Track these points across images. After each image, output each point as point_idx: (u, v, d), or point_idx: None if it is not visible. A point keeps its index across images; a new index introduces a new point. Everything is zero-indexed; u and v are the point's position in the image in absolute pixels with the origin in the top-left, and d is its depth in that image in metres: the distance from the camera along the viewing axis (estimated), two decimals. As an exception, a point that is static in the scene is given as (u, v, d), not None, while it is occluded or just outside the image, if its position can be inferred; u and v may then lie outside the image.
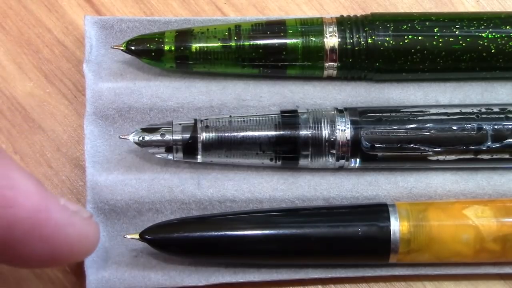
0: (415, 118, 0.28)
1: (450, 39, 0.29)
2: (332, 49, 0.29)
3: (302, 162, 0.28)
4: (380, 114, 0.29)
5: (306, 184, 0.29)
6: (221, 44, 0.29)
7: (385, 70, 0.30)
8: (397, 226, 0.27)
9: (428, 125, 0.28)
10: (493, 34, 0.29)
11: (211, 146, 0.28)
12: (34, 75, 0.32)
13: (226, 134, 0.28)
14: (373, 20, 0.30)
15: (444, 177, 0.29)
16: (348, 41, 0.29)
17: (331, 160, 0.28)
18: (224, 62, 0.29)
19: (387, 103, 0.30)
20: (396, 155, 0.28)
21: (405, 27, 0.29)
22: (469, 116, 0.29)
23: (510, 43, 0.29)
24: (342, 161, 0.28)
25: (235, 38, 0.29)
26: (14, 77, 0.31)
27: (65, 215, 0.18)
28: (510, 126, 0.28)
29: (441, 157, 0.28)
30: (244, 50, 0.29)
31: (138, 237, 0.27)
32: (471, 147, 0.28)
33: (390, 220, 0.27)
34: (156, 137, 0.28)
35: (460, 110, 0.29)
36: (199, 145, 0.28)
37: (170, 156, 0.28)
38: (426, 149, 0.28)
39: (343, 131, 0.28)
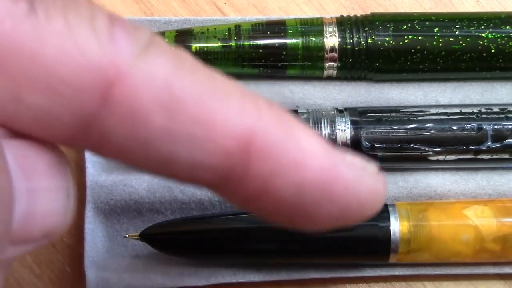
0: (415, 118, 0.28)
1: (450, 39, 0.29)
2: (332, 49, 0.29)
3: (302, 162, 0.28)
4: (380, 114, 0.29)
5: (306, 184, 0.29)
6: (221, 44, 0.29)
7: (385, 70, 0.30)
8: (397, 226, 0.27)
9: (428, 125, 0.28)
10: (493, 34, 0.29)
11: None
12: (34, 75, 0.32)
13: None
14: (373, 20, 0.30)
15: (444, 177, 0.29)
16: (348, 41, 0.29)
17: (331, 160, 0.28)
18: (224, 62, 0.29)
19: (387, 103, 0.30)
20: (396, 155, 0.28)
21: (405, 27, 0.29)
22: (469, 116, 0.29)
23: (510, 43, 0.29)
24: (342, 161, 0.28)
25: (235, 38, 0.29)
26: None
27: (354, 173, 0.16)
28: (510, 126, 0.28)
29: (441, 157, 0.28)
30: (244, 50, 0.29)
31: (138, 237, 0.27)
32: (471, 147, 0.28)
33: (390, 220, 0.27)
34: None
35: (460, 110, 0.29)
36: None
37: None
38: (426, 149, 0.28)
39: (343, 131, 0.28)
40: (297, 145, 0.15)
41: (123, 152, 0.14)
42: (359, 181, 0.16)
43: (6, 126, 0.13)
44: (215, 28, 0.30)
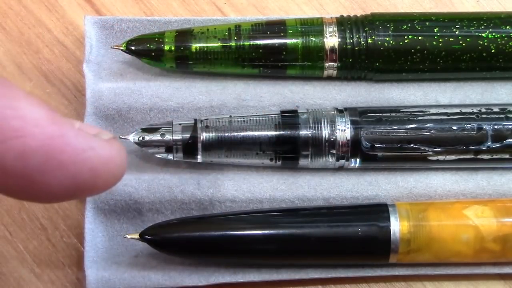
0: (415, 118, 0.28)
1: (450, 39, 0.29)
2: (332, 49, 0.29)
3: (302, 162, 0.28)
4: (380, 114, 0.29)
5: (306, 184, 0.29)
6: (221, 44, 0.29)
7: (385, 70, 0.30)
8: (397, 226, 0.27)
9: (428, 125, 0.28)
10: (493, 34, 0.29)
11: (211, 146, 0.28)
12: (34, 75, 0.32)
13: (226, 134, 0.28)
14: (373, 20, 0.30)
15: (444, 177, 0.29)
16: (348, 41, 0.29)
17: (331, 160, 0.28)
18: (224, 62, 0.29)
19: (387, 103, 0.30)
20: (396, 155, 0.28)
21: (405, 27, 0.29)
22: (469, 116, 0.29)
23: (510, 43, 0.29)
24: (342, 161, 0.28)
25: (235, 38, 0.29)
26: (14, 77, 0.31)
27: (83, 139, 0.17)
28: (510, 126, 0.28)
29: (441, 157, 0.28)
30: (244, 50, 0.29)
31: (138, 237, 0.27)
32: (471, 147, 0.28)
33: (390, 220, 0.27)
34: (156, 137, 0.28)
35: (460, 110, 0.29)
36: (199, 145, 0.28)
37: (170, 156, 0.28)
38: (426, 149, 0.28)
39: (343, 131, 0.28)
40: (18, 113, 0.16)
41: None
42: (89, 148, 0.17)
43: None
44: (215, 28, 0.30)
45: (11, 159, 0.16)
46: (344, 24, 0.30)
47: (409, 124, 0.28)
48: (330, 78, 0.30)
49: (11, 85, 0.16)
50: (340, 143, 0.28)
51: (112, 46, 0.30)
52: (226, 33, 0.29)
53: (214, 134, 0.28)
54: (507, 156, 0.29)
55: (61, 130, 0.16)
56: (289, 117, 0.28)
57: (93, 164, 0.17)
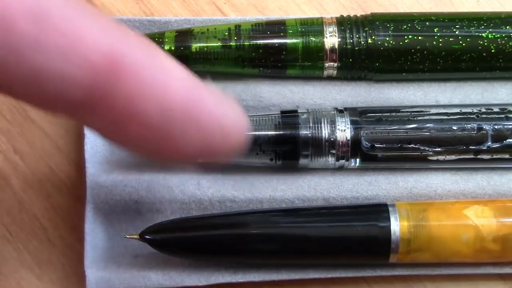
0: (415, 118, 0.28)
1: (450, 39, 0.29)
2: (332, 49, 0.29)
3: (302, 162, 0.28)
4: (380, 114, 0.29)
5: (306, 184, 0.29)
6: (221, 44, 0.29)
7: (385, 70, 0.30)
8: (397, 226, 0.27)
9: (428, 125, 0.28)
10: (493, 34, 0.29)
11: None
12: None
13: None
14: (373, 20, 0.30)
15: (444, 177, 0.29)
16: (348, 41, 0.29)
17: (331, 160, 0.28)
18: (224, 62, 0.29)
19: (387, 103, 0.30)
20: (396, 155, 0.28)
21: (405, 27, 0.29)
22: (469, 116, 0.29)
23: (510, 43, 0.29)
24: (342, 161, 0.28)
25: (235, 38, 0.29)
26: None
27: (218, 102, 0.17)
28: (510, 126, 0.28)
29: (441, 157, 0.28)
30: (244, 50, 0.29)
31: (138, 237, 0.27)
32: (471, 147, 0.28)
33: (390, 220, 0.27)
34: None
35: (460, 110, 0.29)
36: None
37: (170, 156, 0.28)
38: (426, 149, 0.28)
39: (343, 131, 0.28)
40: (163, 69, 0.16)
41: None
42: (223, 110, 0.17)
43: None
44: (215, 28, 0.30)
45: (155, 113, 0.16)
46: (344, 24, 0.30)
47: (409, 124, 0.28)
48: (330, 78, 0.30)
49: (154, 45, 0.16)
50: (340, 143, 0.28)
51: None
52: (226, 33, 0.29)
53: (214, 134, 0.28)
54: (507, 156, 0.29)
55: (200, 89, 0.17)
56: (289, 117, 0.28)
57: (225, 126, 0.17)
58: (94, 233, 0.29)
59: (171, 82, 0.16)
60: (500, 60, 0.30)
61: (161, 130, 0.16)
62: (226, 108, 0.17)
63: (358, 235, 0.27)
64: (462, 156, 0.29)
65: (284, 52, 0.29)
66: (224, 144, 0.17)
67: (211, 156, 0.18)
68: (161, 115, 0.16)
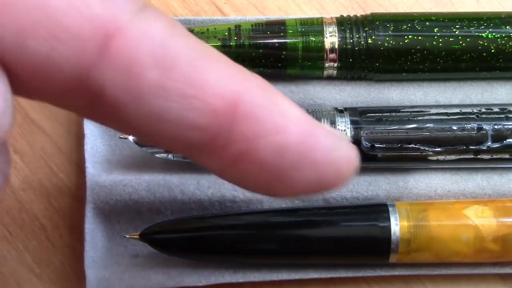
0: (415, 118, 0.28)
1: (450, 39, 0.29)
2: (332, 49, 0.29)
3: (302, 162, 0.28)
4: (380, 114, 0.29)
5: (306, 184, 0.29)
6: (221, 44, 0.29)
7: (385, 70, 0.30)
8: (397, 226, 0.27)
9: (428, 125, 0.28)
10: (493, 34, 0.29)
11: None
12: (34, 75, 0.32)
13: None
14: (373, 20, 0.30)
15: (444, 177, 0.29)
16: (348, 41, 0.29)
17: (331, 160, 0.28)
18: (224, 62, 0.29)
19: (387, 103, 0.30)
20: (396, 155, 0.28)
21: (405, 27, 0.29)
22: (469, 116, 0.29)
23: (510, 43, 0.29)
24: (342, 161, 0.28)
25: (235, 38, 0.29)
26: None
27: (332, 140, 0.17)
28: (510, 126, 0.28)
29: (441, 157, 0.28)
30: (244, 50, 0.29)
31: (138, 237, 0.27)
32: (471, 147, 0.28)
33: (390, 220, 0.27)
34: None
35: (460, 110, 0.29)
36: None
37: (170, 156, 0.28)
38: (426, 149, 0.28)
39: (343, 131, 0.28)
40: (279, 110, 0.16)
41: (117, 107, 0.15)
42: (337, 148, 0.17)
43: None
44: (215, 28, 0.30)
45: (271, 154, 0.16)
46: (344, 24, 0.30)
47: (409, 124, 0.28)
48: (330, 78, 0.30)
49: (269, 84, 0.17)
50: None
51: None
52: (226, 33, 0.29)
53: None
54: (507, 156, 0.29)
55: (314, 129, 0.17)
56: (289, 117, 0.28)
57: (338, 163, 0.17)
58: (94, 233, 0.29)
59: (287, 123, 0.16)
60: (500, 60, 0.30)
61: (275, 170, 0.17)
62: (339, 146, 0.18)
63: (358, 235, 0.27)
64: (462, 156, 0.29)
65: (284, 52, 0.29)
66: (335, 180, 0.18)
67: (322, 191, 0.18)
68: (276, 156, 0.16)
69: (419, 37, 0.29)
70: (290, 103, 0.17)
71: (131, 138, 0.28)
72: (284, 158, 0.16)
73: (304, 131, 0.17)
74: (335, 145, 0.17)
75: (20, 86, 0.14)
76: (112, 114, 0.15)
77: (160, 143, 0.16)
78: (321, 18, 0.30)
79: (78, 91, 0.14)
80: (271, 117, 0.16)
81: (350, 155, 0.18)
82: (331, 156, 0.17)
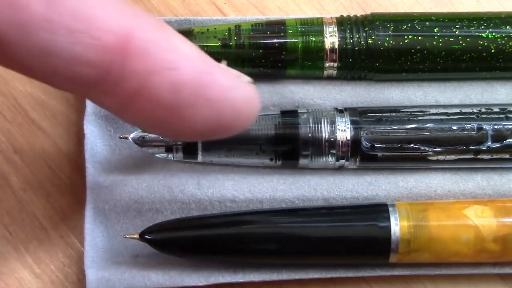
0: (415, 118, 0.28)
1: (450, 39, 0.29)
2: (332, 49, 0.29)
3: (302, 162, 0.28)
4: (380, 114, 0.29)
5: (306, 184, 0.29)
6: (221, 44, 0.29)
7: (385, 70, 0.30)
8: (397, 226, 0.27)
9: (428, 125, 0.28)
10: (493, 34, 0.29)
11: (211, 146, 0.28)
12: (34, 75, 0.32)
13: (226, 134, 0.28)
14: (373, 20, 0.30)
15: (444, 177, 0.29)
16: (348, 41, 0.29)
17: (331, 160, 0.28)
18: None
19: (387, 103, 0.30)
20: (396, 155, 0.28)
21: (405, 27, 0.29)
22: (469, 116, 0.29)
23: (510, 43, 0.29)
24: (342, 161, 0.28)
25: (235, 38, 0.29)
26: (14, 77, 0.31)
27: (229, 78, 0.17)
28: (510, 126, 0.28)
29: (441, 157, 0.28)
30: (244, 50, 0.29)
31: (138, 237, 0.27)
32: (471, 147, 0.28)
33: (390, 220, 0.27)
34: (156, 137, 0.28)
35: (460, 110, 0.29)
36: (199, 145, 0.28)
37: (170, 156, 0.28)
38: (426, 149, 0.28)
39: (343, 131, 0.28)
40: (171, 46, 0.16)
41: (4, 41, 0.15)
42: (234, 87, 0.17)
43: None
44: (215, 28, 0.30)
45: (164, 90, 0.16)
46: (344, 24, 0.30)
47: (409, 124, 0.28)
48: (330, 78, 0.30)
49: (165, 23, 0.17)
50: (340, 143, 0.28)
51: None
52: (226, 33, 0.29)
53: (214, 134, 0.28)
54: (507, 156, 0.29)
55: (210, 67, 0.17)
56: (289, 117, 0.28)
57: (235, 103, 0.17)
58: (94, 233, 0.29)
59: (180, 59, 0.16)
60: (500, 60, 0.30)
61: (171, 107, 0.17)
62: (236, 84, 0.18)
63: (358, 235, 0.27)
64: (462, 156, 0.29)
65: (284, 52, 0.29)
66: (234, 120, 0.18)
67: (221, 133, 0.18)
68: (171, 93, 0.16)
69: (419, 37, 0.29)
70: (183, 40, 0.17)
71: (131, 138, 0.28)
72: (179, 96, 0.16)
73: (198, 68, 0.17)
74: (232, 84, 0.17)
75: None
76: (2, 47, 0.15)
77: (52, 81, 0.16)
78: (321, 18, 0.30)
79: None
80: (163, 53, 0.16)
81: (248, 95, 0.18)
82: (227, 95, 0.17)
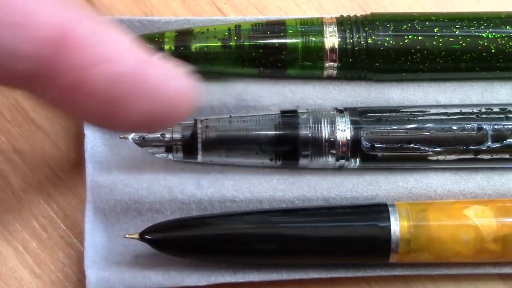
0: (415, 118, 0.28)
1: (450, 39, 0.29)
2: (332, 49, 0.29)
3: (302, 162, 0.28)
4: (380, 114, 0.29)
5: (306, 184, 0.29)
6: (221, 44, 0.29)
7: (385, 70, 0.30)
8: (397, 226, 0.27)
9: (428, 125, 0.28)
10: (493, 34, 0.29)
11: (211, 146, 0.28)
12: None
13: (226, 134, 0.28)
14: (373, 20, 0.30)
15: (444, 177, 0.29)
16: (348, 41, 0.29)
17: (331, 160, 0.28)
18: (224, 62, 0.29)
19: (387, 103, 0.30)
20: (396, 155, 0.28)
21: (405, 27, 0.29)
22: (469, 116, 0.29)
23: (510, 43, 0.29)
24: (342, 161, 0.28)
25: (235, 38, 0.29)
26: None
27: (164, 70, 0.18)
28: (510, 126, 0.28)
29: (441, 157, 0.28)
30: (244, 50, 0.29)
31: (138, 237, 0.27)
32: (471, 147, 0.28)
33: (390, 220, 0.27)
34: (156, 137, 0.28)
35: (460, 110, 0.29)
36: (199, 145, 0.28)
37: (170, 156, 0.28)
38: (426, 149, 0.28)
39: (343, 131, 0.28)
40: (107, 39, 0.17)
41: None
42: (169, 79, 0.18)
43: None
44: (215, 28, 0.30)
45: (102, 84, 0.17)
46: (344, 24, 0.30)
47: (409, 124, 0.28)
48: (330, 78, 0.30)
49: (101, 18, 0.17)
50: (340, 143, 0.28)
51: None
52: (226, 33, 0.29)
53: (214, 134, 0.28)
54: (507, 156, 0.29)
55: (145, 59, 0.17)
56: (289, 117, 0.28)
57: (171, 94, 0.18)
58: (94, 233, 0.29)
59: (116, 52, 0.17)
60: (500, 60, 0.30)
61: (108, 99, 0.17)
62: (171, 77, 0.18)
63: (358, 235, 0.27)
64: (462, 156, 0.29)
65: (284, 52, 0.29)
66: (169, 112, 0.18)
67: (158, 125, 0.18)
68: (107, 85, 0.17)
69: (419, 37, 0.29)
70: (120, 34, 0.17)
71: (131, 138, 0.28)
72: (116, 88, 0.17)
73: (134, 61, 0.17)
74: (168, 76, 0.18)
75: None
76: None
77: None
78: (321, 18, 0.30)
79: None
80: (99, 46, 0.16)
81: (184, 86, 0.18)
82: (164, 87, 0.17)
